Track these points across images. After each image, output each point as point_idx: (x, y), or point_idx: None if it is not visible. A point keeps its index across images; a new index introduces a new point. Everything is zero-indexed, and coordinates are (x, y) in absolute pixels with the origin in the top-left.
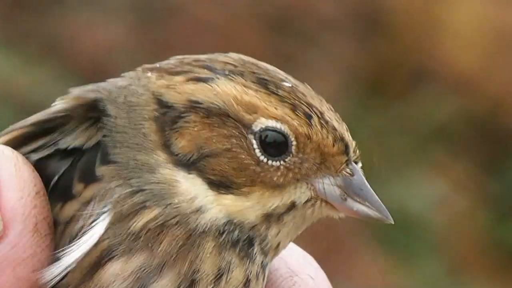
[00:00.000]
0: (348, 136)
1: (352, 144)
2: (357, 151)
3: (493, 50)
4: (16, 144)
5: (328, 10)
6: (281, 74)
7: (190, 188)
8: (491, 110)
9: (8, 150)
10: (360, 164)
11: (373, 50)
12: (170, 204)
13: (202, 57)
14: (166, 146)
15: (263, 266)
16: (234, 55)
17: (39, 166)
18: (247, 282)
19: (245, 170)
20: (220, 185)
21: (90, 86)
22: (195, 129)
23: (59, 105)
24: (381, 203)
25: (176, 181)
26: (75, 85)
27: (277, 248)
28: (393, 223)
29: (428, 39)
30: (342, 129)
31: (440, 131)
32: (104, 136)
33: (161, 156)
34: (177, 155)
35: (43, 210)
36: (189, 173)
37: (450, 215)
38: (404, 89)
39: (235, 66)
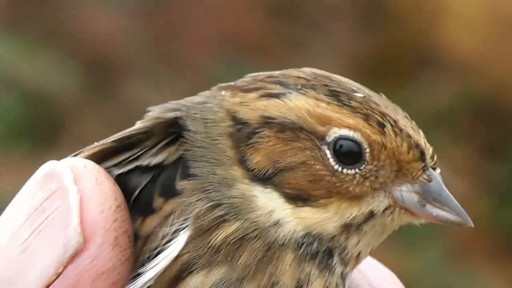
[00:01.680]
0: (423, 143)
1: (428, 150)
2: (434, 157)
3: (496, 34)
4: (98, 159)
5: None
6: (354, 85)
7: (267, 203)
8: (493, 94)
9: (91, 164)
10: (438, 170)
11: (375, 35)
12: (248, 218)
13: (276, 73)
14: (242, 162)
15: (343, 277)
16: (307, 70)
17: (120, 181)
18: None
19: (321, 181)
20: (296, 198)
21: (168, 105)
22: (269, 144)
23: (139, 124)
24: (460, 207)
25: (253, 195)
26: (76, 72)
27: (357, 258)
28: (472, 226)
29: (431, 24)
30: (417, 136)
31: (442, 116)
32: (185, 151)
33: (237, 172)
34: (252, 170)
35: (123, 224)
36: (266, 188)
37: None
38: (407, 75)
39: (308, 80)
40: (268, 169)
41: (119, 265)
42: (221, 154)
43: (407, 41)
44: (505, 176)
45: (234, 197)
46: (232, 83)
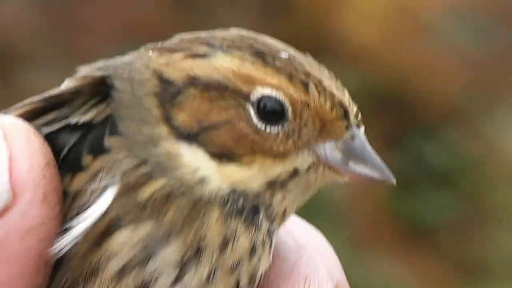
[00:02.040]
0: (347, 102)
1: (352, 109)
2: (359, 116)
3: (393, 23)
4: (27, 117)
5: None
6: (279, 46)
7: (193, 160)
8: (392, 84)
9: (20, 122)
10: (362, 129)
11: (274, 24)
12: (174, 176)
13: (202, 34)
14: (167, 121)
15: (270, 233)
16: (233, 31)
17: (49, 140)
18: (253, 249)
19: (245, 139)
20: (221, 156)
21: (98, 64)
22: (195, 103)
23: (68, 83)
24: (384, 165)
25: (179, 153)
26: None
27: (283, 215)
28: (395, 183)
29: (329, 13)
30: (341, 95)
31: None
32: (113, 110)
33: (163, 130)
34: (178, 129)
35: (52, 181)
36: (191, 145)
37: (350, 187)
38: None
39: (233, 41)
40: (193, 128)
41: (48, 222)
42: (147, 113)
43: (306, 31)
44: (404, 164)
45: (160, 155)
46: (159, 44)
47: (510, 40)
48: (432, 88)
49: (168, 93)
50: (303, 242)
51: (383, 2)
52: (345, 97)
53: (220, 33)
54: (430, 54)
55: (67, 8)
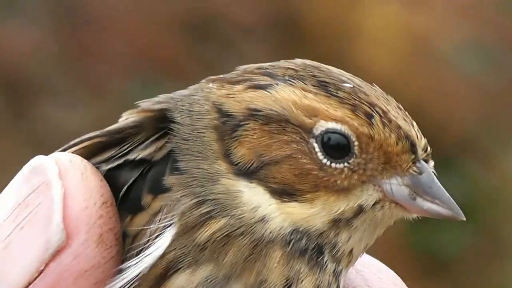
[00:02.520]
0: (415, 134)
1: (420, 142)
2: (427, 149)
3: (408, 54)
4: (87, 154)
5: (248, 18)
6: (344, 75)
7: (252, 198)
8: (410, 113)
9: (76, 159)
10: (432, 163)
11: (289, 55)
12: (233, 215)
13: (265, 64)
14: (227, 156)
15: (336, 275)
16: (298, 61)
17: (110, 177)
18: None
19: (308, 175)
20: (282, 193)
21: (157, 98)
22: (254, 137)
23: (128, 118)
24: (452, 200)
25: (238, 191)
26: None
27: (350, 255)
28: (465, 219)
29: (345, 45)
30: (408, 127)
31: None
32: (174, 145)
33: (222, 166)
34: (237, 164)
35: (109, 221)
36: (251, 182)
37: None
38: None
39: (296, 71)
40: (253, 163)
41: (104, 264)
42: (206, 148)
43: (321, 59)
44: None
45: (219, 193)
46: (221, 76)
47: None
48: (448, 119)
49: (228, 126)
50: (375, 285)
51: (398, 32)
52: (413, 129)
53: (283, 63)
54: (446, 85)
55: (83, 38)
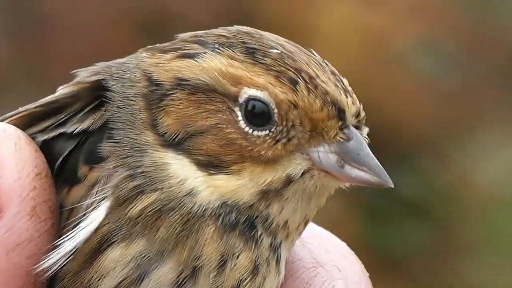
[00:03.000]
0: (344, 100)
1: (350, 108)
2: (360, 115)
3: (363, 53)
4: (24, 124)
5: (202, 17)
6: (276, 41)
7: (179, 170)
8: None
9: (11, 128)
10: (365, 129)
11: None
12: (161, 188)
13: (200, 32)
14: (154, 126)
15: (273, 248)
16: (232, 28)
17: (46, 147)
18: (255, 268)
19: (232, 145)
20: (208, 165)
21: (93, 67)
22: (180, 107)
23: (63, 90)
24: (380, 166)
25: (166, 163)
26: None
27: (286, 227)
28: (393, 186)
29: (300, 44)
30: (337, 92)
31: None
32: (110, 114)
33: (150, 137)
34: (163, 135)
35: (43, 193)
36: (178, 154)
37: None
38: None
39: (227, 38)
40: (178, 134)
41: (37, 237)
42: (135, 116)
43: None
44: (376, 194)
45: (147, 165)
46: (157, 45)
47: (480, 72)
48: (403, 118)
49: (155, 95)
50: (322, 258)
51: (353, 32)
52: (343, 95)
53: (217, 30)
54: (401, 85)
55: (36, 38)
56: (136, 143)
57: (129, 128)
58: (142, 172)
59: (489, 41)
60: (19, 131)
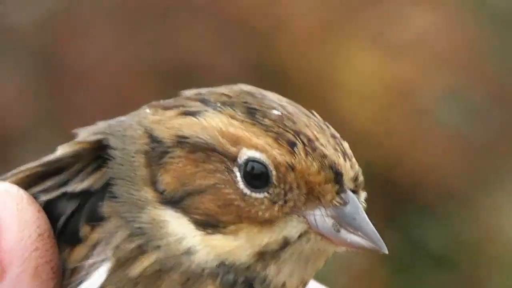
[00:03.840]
0: (342, 163)
1: (347, 172)
2: (358, 179)
3: (390, 105)
4: (25, 183)
5: (227, 67)
6: (278, 102)
7: (177, 228)
8: (389, 164)
9: (13, 188)
10: (363, 194)
11: None
12: (160, 246)
13: (203, 90)
14: (154, 183)
15: None
16: (235, 87)
17: (48, 208)
18: None
19: (230, 206)
20: (206, 224)
21: (94, 127)
22: (180, 165)
23: (64, 149)
24: (375, 232)
25: (164, 220)
26: None
27: None
28: (387, 252)
29: (327, 95)
30: (336, 156)
31: None
32: (111, 172)
33: (149, 193)
34: (162, 192)
35: (46, 253)
36: (176, 212)
37: (347, 267)
38: None
39: (229, 97)
40: (177, 192)
41: None
42: (135, 173)
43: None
44: (401, 245)
45: (145, 222)
46: (161, 101)
47: (508, 123)
48: (429, 170)
49: (156, 152)
50: None
51: (379, 83)
52: (341, 158)
53: (220, 89)
54: (427, 136)
55: (60, 91)
56: (136, 199)
57: (130, 185)
58: (140, 229)
59: None
60: (21, 191)
